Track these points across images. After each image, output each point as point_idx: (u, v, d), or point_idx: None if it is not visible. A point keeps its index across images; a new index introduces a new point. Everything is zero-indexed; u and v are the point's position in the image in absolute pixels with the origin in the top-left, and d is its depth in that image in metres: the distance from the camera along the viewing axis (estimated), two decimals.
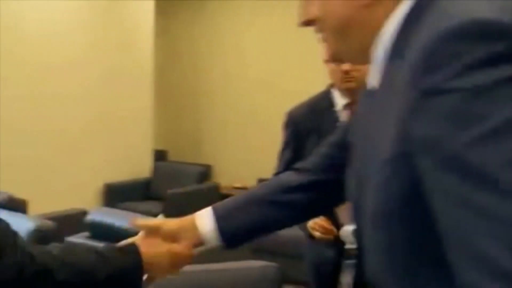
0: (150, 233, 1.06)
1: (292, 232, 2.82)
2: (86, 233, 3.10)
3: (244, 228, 1.10)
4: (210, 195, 5.22)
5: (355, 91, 1.92)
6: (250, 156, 5.90)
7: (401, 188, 0.69)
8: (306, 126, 2.14)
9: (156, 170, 5.53)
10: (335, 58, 0.71)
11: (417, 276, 0.72)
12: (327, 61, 1.99)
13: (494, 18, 0.59)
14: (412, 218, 0.69)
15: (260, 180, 4.62)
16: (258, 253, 3.27)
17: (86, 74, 4.78)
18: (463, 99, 0.57)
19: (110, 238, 2.44)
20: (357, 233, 0.86)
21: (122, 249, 1.00)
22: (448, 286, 0.63)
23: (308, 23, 0.87)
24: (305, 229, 2.03)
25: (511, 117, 0.55)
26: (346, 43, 0.84)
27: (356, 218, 0.84)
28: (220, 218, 1.07)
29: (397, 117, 0.67)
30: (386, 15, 0.76)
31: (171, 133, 6.64)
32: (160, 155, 6.08)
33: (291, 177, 1.14)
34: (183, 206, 4.50)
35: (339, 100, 2.09)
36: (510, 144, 0.55)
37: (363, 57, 0.83)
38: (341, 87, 2.04)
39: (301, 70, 5.49)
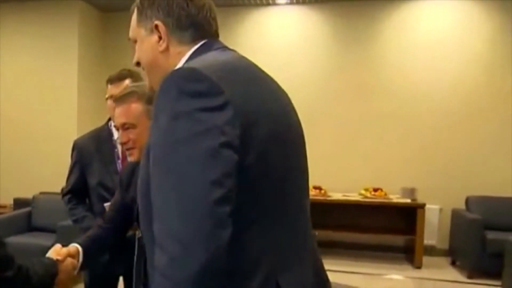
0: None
1: None
2: None
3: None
4: None
5: None
6: (6, 179, 6.24)
7: (148, 169, 0.87)
8: (89, 151, 2.32)
9: None
10: (151, 87, 1.11)
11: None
12: (107, 98, 2.20)
13: (196, 69, 0.85)
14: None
15: (16, 200, 5.59)
16: None
17: None
18: (169, 117, 0.80)
19: None
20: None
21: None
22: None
23: (136, 64, 1.10)
24: None
25: (195, 132, 0.78)
26: (154, 76, 1.06)
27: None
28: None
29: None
30: (176, 60, 1.01)
31: None
32: None
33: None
34: None
35: (116, 132, 2.21)
36: (191, 147, 0.78)
37: None
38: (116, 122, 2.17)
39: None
